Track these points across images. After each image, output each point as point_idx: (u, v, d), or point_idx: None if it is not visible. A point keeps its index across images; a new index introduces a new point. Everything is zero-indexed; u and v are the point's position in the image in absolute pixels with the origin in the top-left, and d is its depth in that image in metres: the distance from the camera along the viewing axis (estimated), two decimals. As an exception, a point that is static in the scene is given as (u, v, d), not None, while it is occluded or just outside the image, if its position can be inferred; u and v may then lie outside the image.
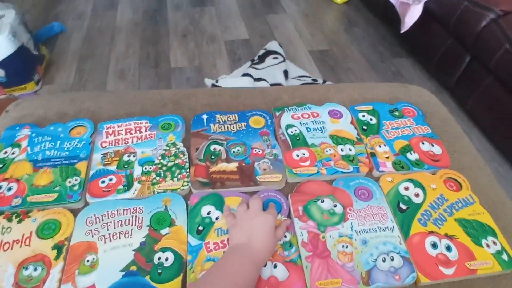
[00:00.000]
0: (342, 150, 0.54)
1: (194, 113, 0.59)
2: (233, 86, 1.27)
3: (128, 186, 0.48)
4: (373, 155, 0.54)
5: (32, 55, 1.28)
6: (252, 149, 0.53)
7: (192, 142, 0.54)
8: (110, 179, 0.48)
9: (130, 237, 0.43)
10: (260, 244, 0.40)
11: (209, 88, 1.25)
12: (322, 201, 0.47)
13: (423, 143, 0.56)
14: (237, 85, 1.27)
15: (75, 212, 0.45)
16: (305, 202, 0.47)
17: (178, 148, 0.53)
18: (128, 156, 0.51)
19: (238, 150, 0.53)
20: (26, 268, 0.39)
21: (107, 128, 0.55)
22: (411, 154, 0.55)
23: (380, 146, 0.56)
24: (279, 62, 1.37)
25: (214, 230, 0.44)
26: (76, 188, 0.47)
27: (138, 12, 1.72)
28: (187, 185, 0.49)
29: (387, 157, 0.54)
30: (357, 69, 1.46)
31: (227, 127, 0.57)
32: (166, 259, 0.41)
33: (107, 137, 0.54)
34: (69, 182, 0.48)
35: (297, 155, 0.53)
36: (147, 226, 0.44)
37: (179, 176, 0.49)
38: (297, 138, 0.56)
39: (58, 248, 0.41)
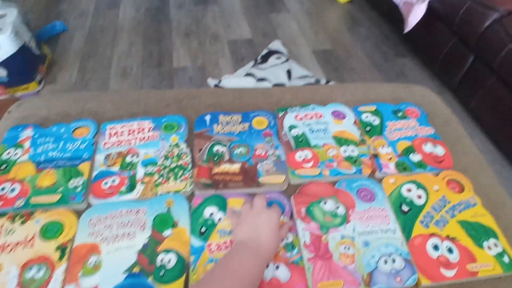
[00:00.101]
0: (345, 151, 0.54)
1: (197, 113, 0.59)
2: (236, 86, 1.27)
3: (131, 188, 0.48)
4: (376, 156, 0.54)
5: (34, 54, 1.28)
6: (255, 150, 0.53)
7: (195, 143, 0.54)
8: (113, 181, 0.48)
9: (133, 239, 0.43)
10: (266, 239, 0.40)
11: (212, 89, 1.25)
12: (325, 203, 0.47)
13: (426, 144, 0.56)
14: (240, 85, 1.27)
15: (78, 214, 0.45)
16: (308, 203, 0.47)
17: (181, 149, 0.53)
18: (131, 157, 0.52)
19: (241, 151, 0.53)
20: (30, 270, 0.40)
21: (110, 129, 0.55)
22: (414, 155, 0.55)
23: (383, 147, 0.56)
24: (282, 62, 1.37)
25: (216, 232, 0.44)
26: (79, 189, 0.47)
27: (140, 10, 1.72)
28: (190, 186, 0.49)
29: (390, 158, 0.54)
30: (360, 69, 1.45)
31: (230, 128, 0.57)
32: (169, 261, 0.41)
33: (110, 138, 0.54)
34: (72, 183, 0.48)
35: (300, 156, 0.53)
36: (150, 227, 0.44)
37: (182, 177, 0.49)
38: (300, 139, 0.56)
39: (61, 249, 0.41)
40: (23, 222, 0.44)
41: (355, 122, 0.59)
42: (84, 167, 0.50)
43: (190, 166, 0.51)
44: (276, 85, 1.26)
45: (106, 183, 0.48)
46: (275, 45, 1.47)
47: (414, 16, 1.25)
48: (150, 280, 0.39)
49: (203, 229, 0.44)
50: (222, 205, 0.47)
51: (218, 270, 0.37)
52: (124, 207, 0.46)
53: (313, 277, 0.41)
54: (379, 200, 0.49)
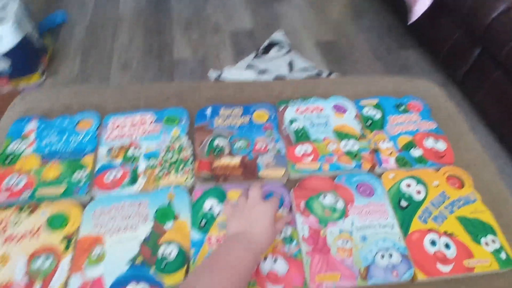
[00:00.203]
0: (345, 145, 0.54)
1: (198, 106, 0.59)
2: (237, 78, 1.27)
3: (133, 180, 0.49)
4: (376, 151, 0.54)
5: (36, 45, 1.27)
6: (255, 144, 0.54)
7: (196, 137, 0.55)
8: (116, 173, 0.49)
9: (136, 231, 0.44)
10: (259, 232, 0.40)
11: (213, 82, 1.24)
12: (324, 197, 0.48)
13: (427, 139, 0.56)
14: (241, 78, 1.27)
15: (82, 206, 0.46)
16: (307, 197, 0.48)
17: (182, 143, 0.54)
18: (133, 150, 0.52)
19: (241, 145, 0.54)
20: (37, 260, 0.41)
21: (113, 122, 0.56)
22: (414, 150, 0.55)
23: (383, 142, 0.56)
24: (284, 54, 1.36)
25: (216, 224, 0.45)
26: (83, 182, 0.48)
27: (141, 1, 1.70)
28: (191, 179, 0.49)
29: (390, 153, 0.54)
30: (363, 61, 1.44)
31: (231, 121, 0.57)
32: (170, 253, 0.42)
33: (112, 131, 0.55)
34: (76, 176, 0.49)
35: (300, 151, 0.53)
36: (152, 220, 0.45)
37: (183, 170, 0.50)
38: (301, 133, 0.56)
39: (67, 240, 0.43)
40: (29, 214, 0.45)
41: (356, 116, 0.59)
42: (87, 160, 0.51)
43: (191, 160, 0.52)
44: (277, 77, 1.26)
45: (109, 176, 0.49)
46: (277, 36, 1.46)
47: (421, 4, 1.22)
48: (152, 271, 0.41)
49: (203, 222, 0.45)
50: (222, 198, 0.48)
51: (208, 263, 0.37)
52: (127, 200, 0.47)
53: (311, 270, 0.41)
54: (378, 195, 0.49)
